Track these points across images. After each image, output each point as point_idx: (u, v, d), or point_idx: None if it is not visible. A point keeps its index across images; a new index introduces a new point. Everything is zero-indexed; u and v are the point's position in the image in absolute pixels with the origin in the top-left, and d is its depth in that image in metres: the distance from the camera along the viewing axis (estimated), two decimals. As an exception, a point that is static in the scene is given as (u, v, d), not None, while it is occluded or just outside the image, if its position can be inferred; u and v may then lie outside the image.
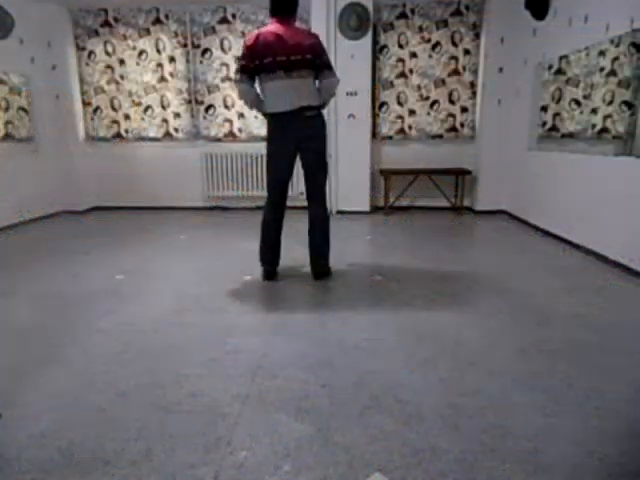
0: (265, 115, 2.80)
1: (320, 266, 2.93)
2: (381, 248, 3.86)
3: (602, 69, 3.29)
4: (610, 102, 3.22)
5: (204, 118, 5.39)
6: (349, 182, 5.22)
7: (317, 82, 2.73)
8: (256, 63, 2.63)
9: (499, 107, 4.98)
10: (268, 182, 2.86)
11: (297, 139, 2.72)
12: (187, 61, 5.27)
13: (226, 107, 5.34)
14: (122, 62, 5.33)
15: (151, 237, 4.19)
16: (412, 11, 5.04)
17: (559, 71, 3.93)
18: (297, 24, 2.76)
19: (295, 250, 3.45)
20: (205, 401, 1.61)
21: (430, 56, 5.13)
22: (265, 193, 2.92)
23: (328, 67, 2.67)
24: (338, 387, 1.69)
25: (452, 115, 5.27)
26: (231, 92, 5.29)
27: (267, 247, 2.90)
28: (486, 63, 4.93)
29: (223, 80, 5.27)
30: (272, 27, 2.64)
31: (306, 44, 2.59)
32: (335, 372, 1.80)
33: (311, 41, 2.62)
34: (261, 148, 5.36)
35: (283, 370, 1.82)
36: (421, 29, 5.07)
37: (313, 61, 2.62)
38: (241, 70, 2.69)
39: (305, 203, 2.92)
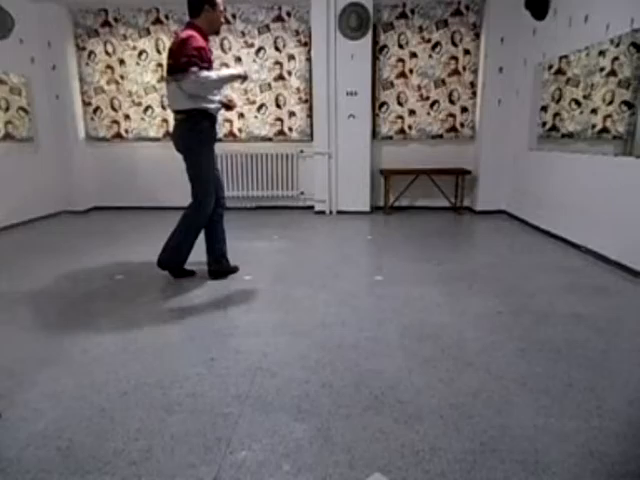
0: None
1: (164, 259, 2.90)
2: (381, 248, 3.86)
3: (602, 69, 3.29)
4: (610, 102, 3.22)
5: (204, 118, 5.38)
6: (349, 182, 5.22)
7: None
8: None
9: (499, 107, 4.98)
10: None
11: (173, 139, 2.84)
12: (187, 61, 5.26)
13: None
14: (122, 62, 5.33)
15: (151, 237, 4.18)
16: (412, 11, 5.04)
17: (559, 71, 3.93)
18: (190, 30, 2.66)
19: (295, 251, 3.44)
20: (205, 401, 1.61)
21: (430, 56, 5.13)
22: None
23: (182, 70, 2.54)
24: (338, 387, 1.69)
25: (452, 115, 5.27)
26: (231, 92, 5.28)
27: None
28: (486, 63, 4.93)
29: (223, 80, 5.27)
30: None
31: (170, 50, 2.65)
32: (335, 372, 1.80)
33: (173, 46, 2.62)
34: (261, 148, 5.39)
35: (283, 370, 1.82)
36: (421, 29, 5.07)
37: (173, 66, 2.60)
38: None
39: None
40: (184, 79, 2.57)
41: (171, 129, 5.36)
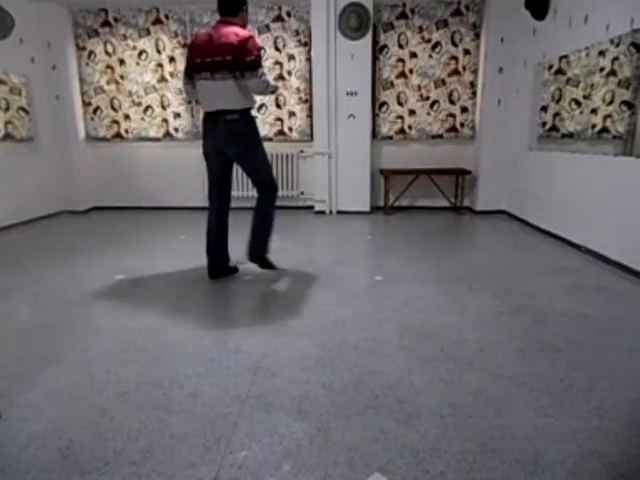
0: None
1: (260, 250, 2.93)
2: (381, 248, 3.86)
3: (602, 69, 3.29)
4: (610, 102, 3.22)
5: (204, 118, 5.38)
6: (349, 182, 5.22)
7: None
8: (191, 64, 2.67)
9: (499, 107, 4.98)
10: (208, 182, 2.89)
11: (218, 142, 2.71)
12: (187, 61, 5.27)
13: (226, 107, 5.33)
14: (122, 62, 5.33)
15: (151, 237, 4.19)
16: (412, 11, 5.04)
17: (559, 71, 3.93)
18: (239, 27, 2.64)
19: (295, 251, 3.44)
20: (205, 401, 1.61)
21: (430, 56, 5.13)
22: (210, 198, 2.95)
23: (251, 68, 2.53)
24: (338, 387, 1.69)
25: (452, 115, 5.27)
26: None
27: (209, 249, 2.92)
28: (486, 63, 4.93)
29: (223, 80, 5.27)
30: (210, 28, 2.68)
31: (228, 45, 2.53)
32: (335, 372, 1.80)
33: (234, 42, 2.51)
34: (261, 148, 5.38)
35: (283, 370, 1.82)
36: (421, 29, 5.07)
37: (234, 62, 2.53)
38: (184, 72, 2.75)
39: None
40: (253, 77, 2.55)
41: (171, 129, 5.43)
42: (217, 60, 2.56)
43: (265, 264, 2.98)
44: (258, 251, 2.92)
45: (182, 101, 5.35)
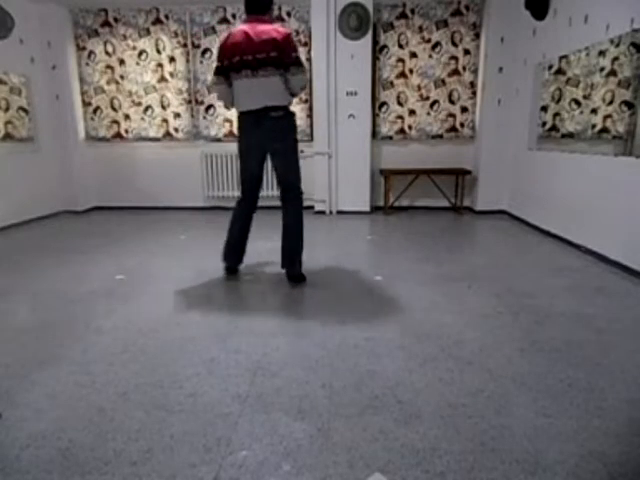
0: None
1: (294, 269, 2.86)
2: (381, 248, 3.86)
3: (602, 69, 3.29)
4: (610, 102, 3.22)
5: (204, 118, 5.39)
6: (349, 182, 5.22)
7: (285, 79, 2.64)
8: (226, 62, 2.63)
9: (499, 107, 4.98)
10: (240, 180, 2.87)
11: (262, 139, 2.69)
12: (187, 61, 5.27)
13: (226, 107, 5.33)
14: (122, 62, 5.33)
15: (151, 237, 4.19)
16: (412, 11, 5.04)
17: (559, 71, 3.93)
18: (278, 23, 2.71)
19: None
20: (205, 401, 1.61)
21: (430, 56, 5.13)
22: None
23: (296, 64, 2.56)
24: (338, 387, 1.69)
25: (452, 115, 5.27)
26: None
27: (230, 244, 2.91)
28: (486, 63, 4.93)
29: (223, 80, 5.27)
30: (244, 26, 2.63)
31: (272, 42, 2.52)
32: (335, 372, 1.80)
33: (278, 38, 2.52)
34: (261, 148, 5.38)
35: (283, 370, 1.82)
36: (421, 29, 5.07)
37: (279, 58, 2.54)
38: (216, 72, 2.71)
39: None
40: (299, 73, 2.57)
41: (171, 129, 5.43)
42: (260, 57, 2.54)
43: (301, 279, 2.88)
44: (295, 270, 2.87)
45: (182, 101, 5.36)
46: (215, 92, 2.82)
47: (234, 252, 2.94)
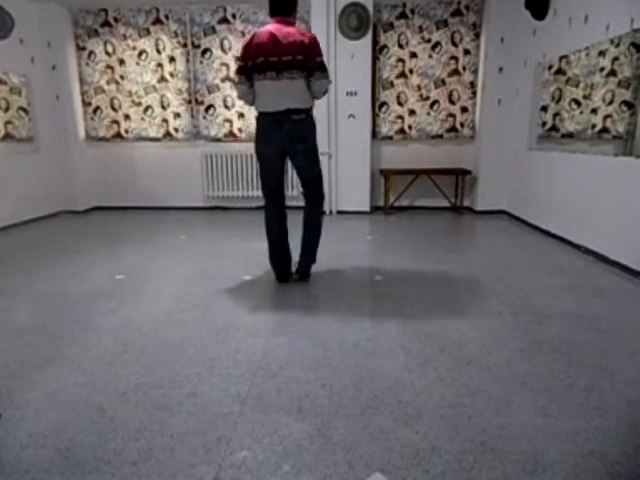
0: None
1: (304, 263, 2.92)
2: (381, 248, 3.86)
3: (602, 69, 3.29)
4: (610, 102, 3.22)
5: (204, 118, 5.39)
6: (349, 182, 5.23)
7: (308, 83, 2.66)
8: (250, 63, 2.61)
9: (499, 107, 4.98)
10: (261, 183, 2.86)
11: (283, 140, 2.68)
12: (187, 61, 5.27)
13: (226, 107, 5.34)
14: (122, 62, 5.33)
15: (151, 237, 4.19)
16: (412, 11, 5.04)
17: (559, 71, 3.93)
18: (297, 25, 2.72)
19: (295, 251, 3.43)
20: (205, 401, 1.61)
21: (430, 56, 5.13)
22: (268, 196, 2.91)
23: (320, 68, 2.58)
24: (338, 387, 1.69)
25: (452, 115, 5.27)
26: (231, 92, 5.29)
27: (273, 249, 2.89)
28: (486, 63, 4.93)
29: (223, 80, 5.28)
30: (269, 27, 2.62)
31: (299, 45, 2.53)
32: (335, 372, 1.80)
33: (305, 42, 2.53)
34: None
35: (283, 370, 1.82)
36: (421, 29, 5.07)
37: (305, 62, 2.55)
38: (238, 71, 2.69)
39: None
40: (323, 78, 2.59)
41: (171, 129, 5.43)
42: (286, 59, 2.54)
43: (305, 276, 2.96)
44: (305, 264, 2.93)
45: (182, 101, 5.36)
46: (236, 91, 2.82)
47: (280, 258, 2.91)
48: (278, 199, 2.87)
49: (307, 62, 2.56)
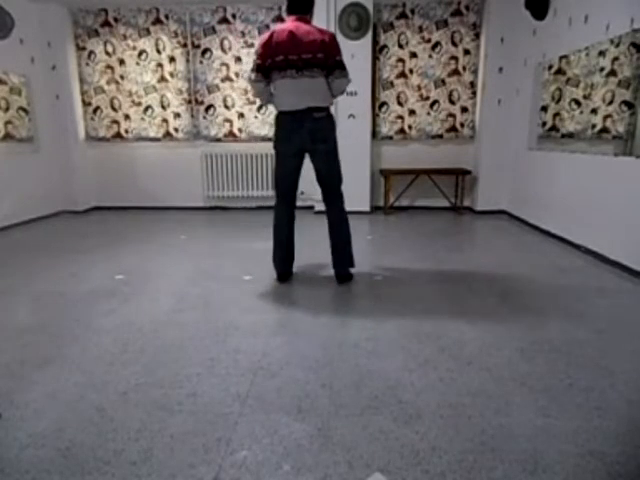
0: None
1: (342, 268, 2.88)
2: (381, 248, 3.86)
3: (602, 69, 3.29)
4: (610, 102, 3.22)
5: (204, 118, 5.39)
6: (349, 182, 5.16)
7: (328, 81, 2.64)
8: (269, 61, 2.59)
9: (499, 107, 4.98)
10: (276, 181, 2.82)
11: (304, 140, 2.66)
12: (187, 61, 5.27)
13: (226, 107, 5.34)
14: (122, 62, 5.33)
15: (151, 237, 4.19)
16: (412, 11, 5.04)
17: (559, 71, 3.93)
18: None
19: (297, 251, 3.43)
20: (205, 401, 1.61)
21: (430, 56, 5.13)
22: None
23: (340, 67, 2.58)
24: (338, 387, 1.69)
25: (452, 115, 5.27)
26: (231, 92, 5.29)
27: (278, 249, 2.87)
28: (486, 63, 4.93)
29: (223, 80, 5.28)
30: (287, 25, 2.59)
31: (319, 43, 2.51)
32: (335, 372, 1.80)
33: (325, 40, 2.52)
34: (261, 148, 5.38)
35: (283, 370, 1.82)
36: (421, 29, 5.07)
37: (325, 60, 2.54)
38: (256, 69, 2.65)
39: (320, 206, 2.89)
40: (342, 77, 2.59)
41: (171, 129, 5.43)
42: (305, 57, 2.52)
43: (348, 279, 2.91)
44: (343, 269, 2.88)
45: (182, 101, 5.36)
46: (252, 89, 2.78)
47: (284, 258, 2.89)
48: (290, 199, 2.84)
49: (327, 60, 2.55)
